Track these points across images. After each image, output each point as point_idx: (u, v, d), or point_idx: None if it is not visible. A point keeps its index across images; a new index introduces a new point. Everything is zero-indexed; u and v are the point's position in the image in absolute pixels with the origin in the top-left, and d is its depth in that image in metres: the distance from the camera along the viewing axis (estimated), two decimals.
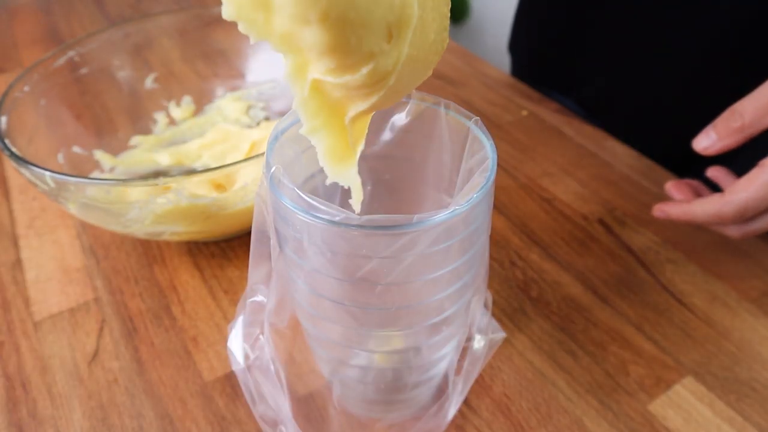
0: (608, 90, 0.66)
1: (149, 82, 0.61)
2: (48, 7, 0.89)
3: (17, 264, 0.50)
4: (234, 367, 0.34)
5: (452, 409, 0.36)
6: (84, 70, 0.56)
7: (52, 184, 0.41)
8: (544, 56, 0.73)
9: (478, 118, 0.29)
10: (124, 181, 0.41)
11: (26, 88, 0.50)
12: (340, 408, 0.36)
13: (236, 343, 0.34)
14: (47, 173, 0.40)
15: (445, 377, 0.35)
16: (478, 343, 0.36)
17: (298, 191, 0.26)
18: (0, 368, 0.42)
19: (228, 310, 0.45)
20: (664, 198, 0.53)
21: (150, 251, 0.50)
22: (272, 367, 0.33)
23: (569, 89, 0.71)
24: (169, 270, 0.48)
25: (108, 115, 0.53)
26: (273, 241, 0.29)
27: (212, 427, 0.38)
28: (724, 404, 0.38)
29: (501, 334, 0.38)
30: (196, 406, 0.39)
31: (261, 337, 0.34)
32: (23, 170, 0.41)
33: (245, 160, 0.40)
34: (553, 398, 0.39)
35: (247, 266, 0.40)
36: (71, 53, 0.55)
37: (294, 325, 0.33)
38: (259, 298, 0.33)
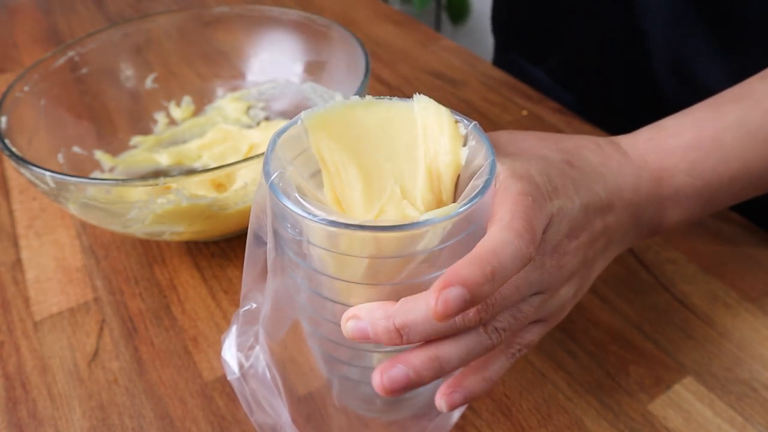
0: (577, 61, 0.65)
1: (149, 82, 0.61)
2: (48, 7, 0.89)
3: (17, 264, 0.50)
4: (229, 377, 0.34)
5: (456, 413, 0.36)
6: (84, 70, 0.56)
7: (52, 184, 0.41)
8: (514, 22, 0.73)
9: (477, 122, 0.29)
10: (124, 181, 0.41)
11: (26, 88, 0.50)
12: (340, 407, 0.36)
13: (230, 353, 0.35)
14: (47, 173, 0.40)
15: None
16: None
17: (296, 194, 0.26)
18: (0, 368, 0.42)
19: (228, 310, 0.45)
20: None
21: (150, 251, 0.50)
22: (268, 373, 0.33)
23: (537, 57, 0.71)
24: (169, 270, 0.48)
25: (108, 115, 0.53)
26: (270, 245, 0.29)
27: (212, 427, 0.38)
28: (724, 404, 0.38)
29: None
30: (196, 406, 0.39)
31: (255, 345, 0.34)
32: (23, 170, 0.41)
33: (245, 160, 0.40)
34: (553, 398, 0.39)
35: None
36: (71, 53, 0.55)
37: (292, 327, 0.32)
38: (253, 305, 0.33)
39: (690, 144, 0.35)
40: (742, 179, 0.36)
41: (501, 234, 0.26)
